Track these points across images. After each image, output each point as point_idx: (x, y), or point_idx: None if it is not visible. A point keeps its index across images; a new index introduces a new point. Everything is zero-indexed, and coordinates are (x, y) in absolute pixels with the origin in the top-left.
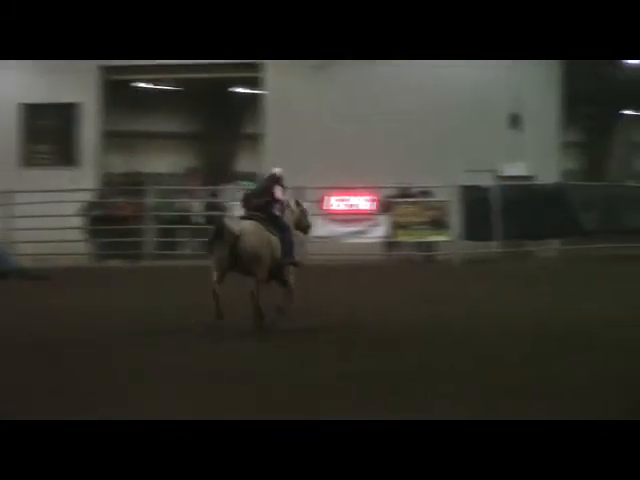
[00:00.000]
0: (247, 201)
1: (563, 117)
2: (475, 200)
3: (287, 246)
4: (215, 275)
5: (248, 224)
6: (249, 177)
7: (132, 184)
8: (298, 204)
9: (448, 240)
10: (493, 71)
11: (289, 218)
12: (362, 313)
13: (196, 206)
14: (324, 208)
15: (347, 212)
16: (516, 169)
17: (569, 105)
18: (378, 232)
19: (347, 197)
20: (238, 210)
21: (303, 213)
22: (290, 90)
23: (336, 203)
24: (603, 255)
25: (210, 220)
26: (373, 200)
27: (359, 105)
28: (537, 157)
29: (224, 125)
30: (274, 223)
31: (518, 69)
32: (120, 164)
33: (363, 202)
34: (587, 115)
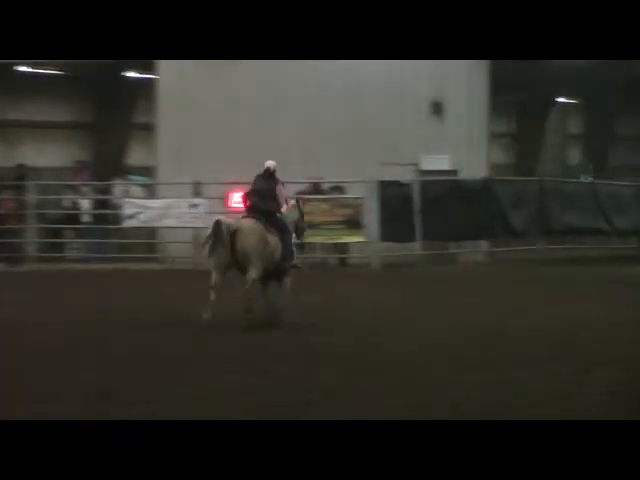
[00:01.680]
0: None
1: (490, 105)
2: (393, 197)
3: (287, 248)
4: (213, 278)
5: (247, 222)
6: (141, 171)
7: (12, 179)
8: (299, 204)
9: (363, 241)
10: None
11: (289, 219)
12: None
13: (84, 203)
14: (228, 205)
15: None
16: (439, 163)
17: (497, 92)
18: None
19: None
20: (130, 208)
21: (302, 215)
22: (186, 75)
23: (240, 200)
24: (534, 258)
25: (101, 219)
26: None
27: (264, 92)
28: (462, 149)
29: (115, 114)
30: (275, 224)
31: None
32: None
33: None
34: (517, 103)
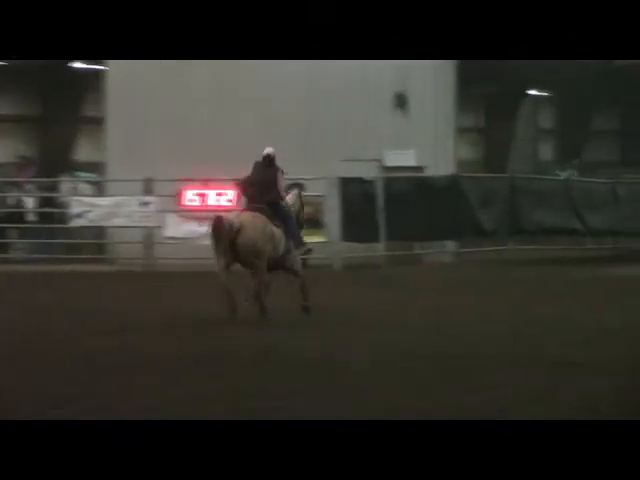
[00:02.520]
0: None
1: (458, 98)
2: (356, 195)
3: (294, 236)
4: (221, 277)
5: (249, 216)
6: (90, 168)
7: None
8: (300, 196)
9: (324, 242)
10: None
11: (291, 208)
12: (208, 331)
13: (29, 201)
14: (181, 204)
15: (205, 209)
16: (404, 158)
17: (465, 84)
18: None
19: (205, 191)
20: (77, 206)
21: (302, 208)
22: (137, 67)
23: (193, 198)
24: (504, 259)
25: (47, 217)
26: (236, 194)
27: (220, 86)
28: (428, 144)
29: (61, 106)
30: (277, 214)
31: None
32: None
33: (224, 197)
34: (486, 96)
